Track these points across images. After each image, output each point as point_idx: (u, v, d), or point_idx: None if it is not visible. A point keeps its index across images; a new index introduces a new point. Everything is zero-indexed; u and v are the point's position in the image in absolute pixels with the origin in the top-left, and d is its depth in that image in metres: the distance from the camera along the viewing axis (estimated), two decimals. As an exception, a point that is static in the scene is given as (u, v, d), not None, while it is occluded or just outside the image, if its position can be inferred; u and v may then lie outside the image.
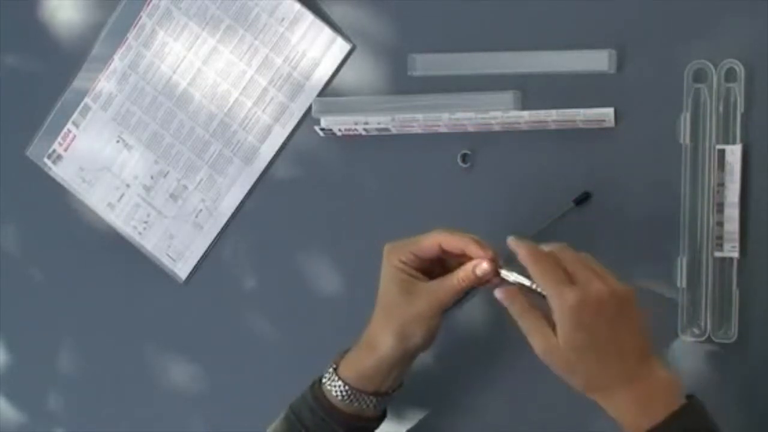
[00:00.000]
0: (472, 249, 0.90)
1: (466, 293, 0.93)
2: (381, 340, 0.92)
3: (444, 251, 0.92)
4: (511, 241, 0.87)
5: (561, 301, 0.83)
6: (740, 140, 0.95)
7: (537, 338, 0.85)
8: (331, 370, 0.95)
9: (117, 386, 1.18)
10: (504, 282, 0.90)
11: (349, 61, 1.08)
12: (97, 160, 1.16)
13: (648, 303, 0.97)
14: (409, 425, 1.06)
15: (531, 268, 0.86)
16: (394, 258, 0.93)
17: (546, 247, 0.87)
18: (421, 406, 1.06)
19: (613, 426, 0.85)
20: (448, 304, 0.92)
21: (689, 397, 0.85)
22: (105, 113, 1.16)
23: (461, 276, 0.91)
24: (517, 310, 0.87)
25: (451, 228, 0.92)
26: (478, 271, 0.90)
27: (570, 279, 0.84)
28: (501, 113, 1.01)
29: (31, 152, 1.18)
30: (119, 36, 1.14)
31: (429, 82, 1.04)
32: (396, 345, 0.92)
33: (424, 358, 1.03)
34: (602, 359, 0.84)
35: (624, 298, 0.84)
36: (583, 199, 0.99)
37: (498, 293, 0.88)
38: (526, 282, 0.87)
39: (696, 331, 0.96)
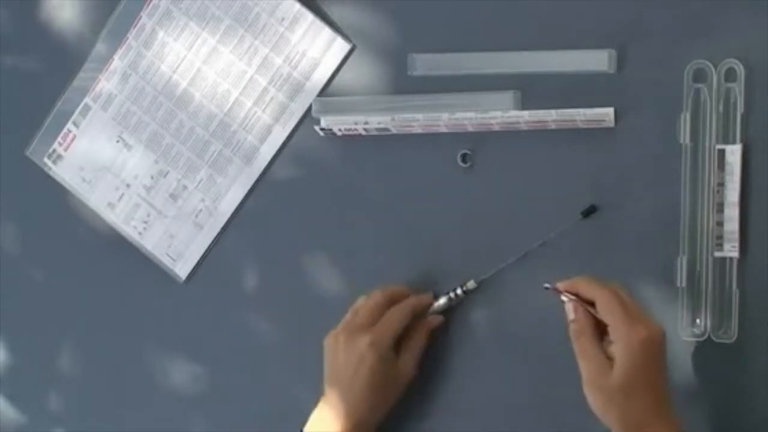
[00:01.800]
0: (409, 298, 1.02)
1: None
2: (370, 422, 0.99)
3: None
4: (562, 284, 0.89)
5: (633, 335, 0.84)
6: (740, 140, 0.95)
7: (591, 365, 0.85)
8: None
9: (117, 386, 1.18)
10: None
11: (349, 61, 1.08)
12: (97, 160, 1.16)
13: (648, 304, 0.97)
14: (408, 426, 1.06)
15: (602, 302, 0.86)
16: (382, 347, 0.98)
17: (611, 283, 0.88)
18: (420, 407, 1.06)
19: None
20: (419, 364, 1.02)
21: None
22: (105, 113, 1.16)
23: (423, 337, 1.01)
24: (577, 330, 0.88)
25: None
26: (437, 324, 1.02)
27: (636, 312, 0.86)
28: (501, 113, 1.01)
29: (31, 152, 1.18)
30: (119, 36, 1.14)
31: (429, 82, 1.04)
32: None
33: (425, 360, 1.04)
34: (649, 398, 0.84)
35: (663, 343, 0.86)
36: (590, 212, 0.99)
37: (569, 307, 0.89)
38: (590, 309, 0.88)
39: (696, 331, 0.96)
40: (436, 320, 1.02)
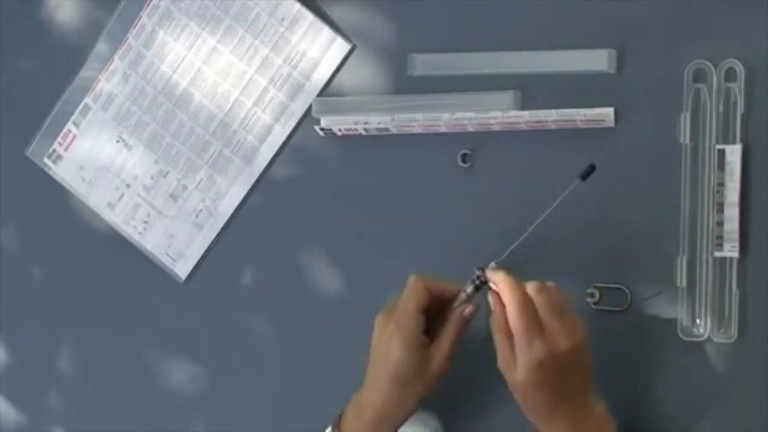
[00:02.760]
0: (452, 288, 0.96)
1: None
2: (397, 413, 0.96)
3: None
4: (492, 274, 0.91)
5: (528, 352, 0.87)
6: (740, 140, 0.95)
7: (502, 359, 0.90)
8: None
9: (117, 386, 1.18)
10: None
11: (349, 61, 1.08)
12: (97, 160, 1.16)
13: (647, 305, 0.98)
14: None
15: (508, 309, 0.89)
16: (412, 327, 0.94)
17: (529, 287, 0.89)
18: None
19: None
20: (451, 357, 0.95)
21: None
22: (105, 113, 1.16)
23: (454, 327, 0.95)
24: (495, 324, 0.91)
25: (423, 278, 0.95)
26: (467, 314, 0.95)
27: (540, 327, 0.88)
28: (501, 113, 1.01)
29: (31, 152, 1.18)
30: (119, 36, 1.14)
31: (429, 82, 1.04)
32: (413, 410, 0.96)
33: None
34: (552, 401, 0.89)
35: (581, 348, 0.89)
36: (589, 173, 0.95)
37: (490, 299, 0.92)
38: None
39: (696, 331, 0.96)
40: (466, 309, 0.96)
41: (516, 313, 0.88)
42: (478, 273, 0.94)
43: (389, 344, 0.94)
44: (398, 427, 0.97)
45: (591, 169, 0.93)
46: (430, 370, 0.94)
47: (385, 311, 0.96)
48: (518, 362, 0.88)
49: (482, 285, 0.95)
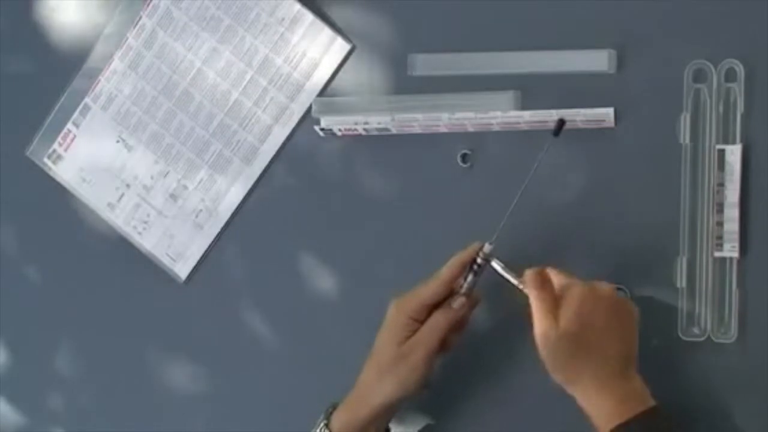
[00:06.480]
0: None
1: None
2: (376, 394, 0.95)
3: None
4: (530, 274, 0.92)
5: (571, 289, 0.88)
6: (740, 140, 0.95)
7: (540, 319, 0.89)
8: (322, 425, 0.96)
9: (117, 386, 1.18)
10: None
11: (349, 61, 1.08)
12: (97, 160, 1.16)
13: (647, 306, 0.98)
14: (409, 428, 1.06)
15: (533, 296, 0.90)
16: (404, 314, 0.94)
17: (555, 277, 0.91)
18: (422, 409, 1.06)
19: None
20: (438, 348, 0.94)
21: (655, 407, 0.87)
22: (105, 113, 1.16)
23: (440, 318, 0.94)
24: (532, 285, 0.91)
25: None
26: (456, 305, 0.94)
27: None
28: (501, 113, 1.01)
29: (31, 152, 1.18)
30: (119, 36, 1.14)
31: (429, 82, 1.04)
32: (391, 399, 0.95)
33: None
34: (587, 355, 0.87)
35: (624, 308, 0.89)
36: (560, 128, 0.95)
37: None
38: (514, 281, 0.93)
39: (696, 331, 0.96)
40: (456, 302, 0.95)
41: (539, 296, 0.90)
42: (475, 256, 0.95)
43: (382, 326, 0.95)
44: (380, 418, 0.96)
45: (561, 123, 0.94)
46: (409, 360, 0.93)
47: (401, 294, 0.96)
48: (562, 305, 0.89)
49: (480, 269, 0.95)
